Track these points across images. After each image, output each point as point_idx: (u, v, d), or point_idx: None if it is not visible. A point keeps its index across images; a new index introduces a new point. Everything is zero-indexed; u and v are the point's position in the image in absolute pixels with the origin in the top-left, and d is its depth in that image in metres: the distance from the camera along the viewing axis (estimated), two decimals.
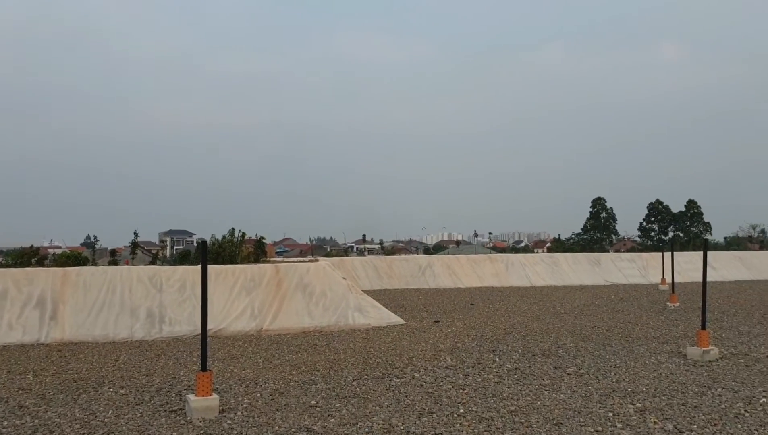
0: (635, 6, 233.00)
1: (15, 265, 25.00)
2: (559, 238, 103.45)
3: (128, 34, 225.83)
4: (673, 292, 21.37)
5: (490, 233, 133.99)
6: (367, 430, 6.88)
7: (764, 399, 7.96)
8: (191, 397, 7.66)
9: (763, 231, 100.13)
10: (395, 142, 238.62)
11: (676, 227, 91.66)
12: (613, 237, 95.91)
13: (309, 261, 19.55)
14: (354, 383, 9.23)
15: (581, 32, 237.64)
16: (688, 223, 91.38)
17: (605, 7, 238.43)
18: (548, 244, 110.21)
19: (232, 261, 20.26)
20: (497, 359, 11.07)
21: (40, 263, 28.06)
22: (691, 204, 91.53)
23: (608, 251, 71.91)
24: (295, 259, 26.40)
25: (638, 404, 7.76)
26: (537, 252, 74.64)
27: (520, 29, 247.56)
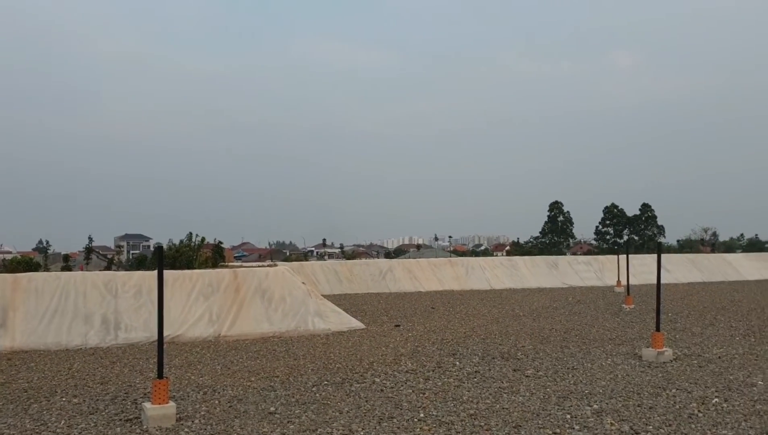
0: (589, 15, 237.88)
1: None
2: (518, 241, 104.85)
3: (82, 33, 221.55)
4: (628, 294, 21.77)
5: (450, 237, 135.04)
6: None
7: (716, 399, 8.14)
8: (147, 405, 7.50)
9: (714, 234, 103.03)
10: (356, 146, 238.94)
11: (631, 230, 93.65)
12: (570, 240, 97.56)
13: (268, 266, 19.39)
14: (314, 389, 9.16)
15: (539, 40, 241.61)
16: (643, 227, 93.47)
17: (563, 15, 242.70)
18: (507, 248, 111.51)
19: (189, 266, 19.98)
20: (457, 363, 11.11)
21: None
22: (646, 208, 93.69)
23: (566, 254, 73.07)
24: (254, 263, 26.16)
25: (595, 406, 7.87)
26: (497, 255, 75.34)
27: (480, 37, 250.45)
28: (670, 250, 71.39)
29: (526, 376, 9.81)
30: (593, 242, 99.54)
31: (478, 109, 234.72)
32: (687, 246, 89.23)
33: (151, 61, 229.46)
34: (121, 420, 7.59)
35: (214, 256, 26.65)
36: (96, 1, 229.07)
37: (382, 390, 9.00)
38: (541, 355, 11.84)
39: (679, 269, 36.28)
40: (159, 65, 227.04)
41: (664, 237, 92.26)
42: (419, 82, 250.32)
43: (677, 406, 7.81)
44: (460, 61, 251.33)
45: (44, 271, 22.39)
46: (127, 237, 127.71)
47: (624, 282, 26.32)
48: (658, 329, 11.43)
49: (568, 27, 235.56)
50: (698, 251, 69.48)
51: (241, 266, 21.06)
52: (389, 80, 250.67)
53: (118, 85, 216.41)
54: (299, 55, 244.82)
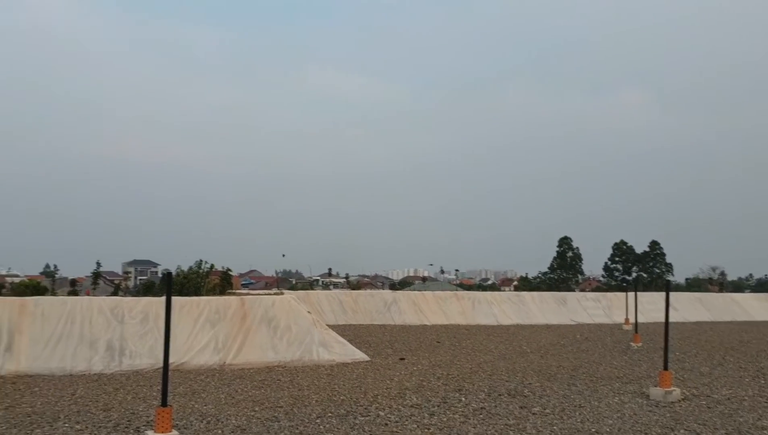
0: (599, 48, 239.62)
1: None
2: (526, 276, 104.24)
3: (104, 62, 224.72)
4: (636, 332, 21.59)
5: (456, 270, 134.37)
6: None
7: None
8: (150, 433, 7.46)
9: (722, 273, 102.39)
10: (364, 177, 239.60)
11: (639, 268, 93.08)
12: (579, 276, 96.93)
13: (274, 294, 19.37)
14: (318, 421, 9.09)
15: (548, 71, 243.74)
16: (651, 264, 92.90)
17: (572, 46, 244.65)
18: (515, 283, 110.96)
19: (197, 293, 20.01)
20: (463, 398, 11.01)
21: None
22: (654, 245, 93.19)
23: (574, 290, 72.67)
24: (260, 291, 26.12)
25: None
26: (504, 290, 75.02)
27: (484, 68, 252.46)
28: (678, 288, 70.89)
29: (533, 414, 9.71)
30: (602, 279, 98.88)
31: (487, 140, 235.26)
32: (695, 284, 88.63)
33: (165, 86, 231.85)
34: None
35: (222, 283, 26.68)
36: (119, 28, 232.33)
37: (386, 424, 8.92)
38: (549, 392, 11.73)
39: (687, 308, 36.01)
40: (173, 90, 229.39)
41: (673, 275, 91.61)
42: (428, 114, 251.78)
43: None
44: (467, 93, 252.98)
45: (51, 295, 22.44)
46: (135, 263, 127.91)
47: (632, 320, 26.13)
48: (666, 368, 11.32)
49: (582, 62, 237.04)
50: (706, 290, 68.97)
51: (248, 294, 21.04)
52: (397, 112, 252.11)
53: (131, 110, 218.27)
54: (308, 85, 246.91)
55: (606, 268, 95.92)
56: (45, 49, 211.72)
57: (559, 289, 68.86)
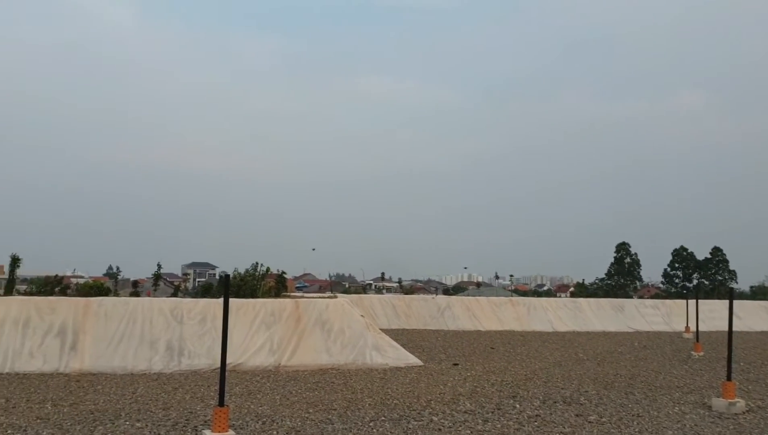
0: (656, 48, 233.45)
1: (39, 293, 25.25)
2: (583, 282, 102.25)
3: (161, 69, 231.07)
4: (697, 340, 20.97)
5: (511, 276, 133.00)
6: None
7: None
8: (207, 432, 7.61)
9: None
10: (417, 180, 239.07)
11: (700, 275, 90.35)
12: (638, 283, 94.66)
13: (328, 297, 19.53)
14: (371, 424, 9.12)
15: (603, 78, 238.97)
16: (713, 271, 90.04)
17: (627, 55, 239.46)
18: (571, 289, 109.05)
19: (253, 295, 20.30)
20: (517, 405, 10.89)
21: (63, 292, 28.29)
22: (717, 251, 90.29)
23: (632, 297, 70.97)
24: (314, 294, 26.37)
25: None
26: (560, 296, 73.86)
27: (543, 74, 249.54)
28: (743, 296, 68.37)
29: (589, 422, 9.53)
30: (661, 286, 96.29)
31: (541, 142, 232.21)
32: (760, 293, 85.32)
33: (222, 95, 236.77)
34: None
35: (277, 285, 26.99)
36: (174, 40, 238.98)
37: (439, 429, 8.89)
38: (605, 400, 11.50)
39: (752, 317, 34.74)
40: (229, 99, 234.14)
41: (736, 282, 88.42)
42: (480, 117, 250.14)
43: None
44: (521, 98, 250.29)
45: (114, 296, 23.13)
46: (193, 265, 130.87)
47: (693, 328, 25.36)
48: (729, 378, 10.95)
49: (634, 66, 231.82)
50: None
51: (302, 297, 21.25)
52: (451, 115, 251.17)
53: (188, 118, 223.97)
54: (363, 91, 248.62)
55: (665, 274, 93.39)
56: (115, 61, 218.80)
57: (616, 296, 67.35)
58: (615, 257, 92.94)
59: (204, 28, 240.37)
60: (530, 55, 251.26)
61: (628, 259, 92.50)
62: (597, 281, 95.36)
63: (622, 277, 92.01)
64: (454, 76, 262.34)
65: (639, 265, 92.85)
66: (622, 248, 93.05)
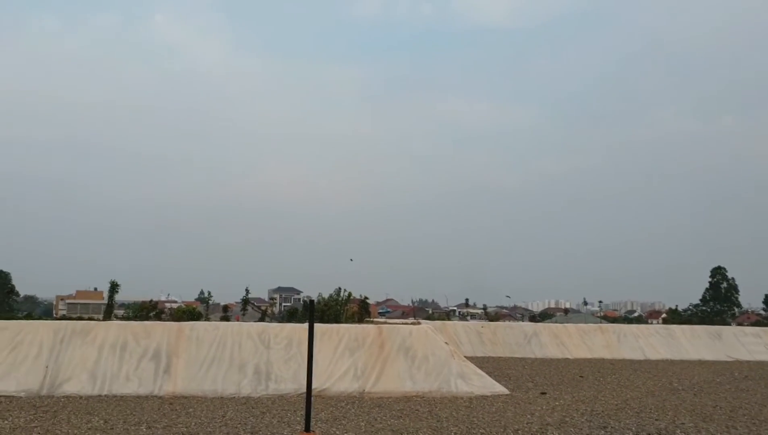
0: (751, 65, 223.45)
1: (135, 317, 26.38)
2: (676, 308, 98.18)
3: (243, 101, 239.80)
4: None
5: (600, 302, 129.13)
6: None
7: None
8: None
9: None
10: (502, 204, 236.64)
11: None
12: (736, 309, 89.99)
13: (411, 323, 19.49)
14: None
15: (697, 92, 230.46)
16: None
17: (720, 65, 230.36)
18: (663, 315, 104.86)
19: (337, 320, 20.56)
20: None
21: (158, 317, 29.43)
22: None
23: (730, 324, 67.43)
24: (397, 320, 26.39)
25: None
26: (651, 323, 71.05)
27: (630, 94, 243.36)
28: None
29: None
30: (762, 312, 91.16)
31: (632, 166, 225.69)
32: None
33: (303, 121, 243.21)
34: None
35: (360, 311, 27.23)
36: (265, 69, 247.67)
37: None
38: (704, 433, 10.92)
39: None
40: (309, 124, 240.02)
41: None
42: (564, 139, 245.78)
43: None
44: (610, 118, 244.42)
45: (205, 320, 23.90)
46: (279, 290, 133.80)
47: None
48: None
49: (728, 80, 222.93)
50: None
51: (385, 322, 21.33)
52: (536, 137, 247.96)
53: (274, 149, 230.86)
54: (446, 114, 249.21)
55: (766, 300, 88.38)
56: (202, 90, 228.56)
57: (712, 323, 64.23)
58: (710, 282, 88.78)
59: (282, 58, 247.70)
60: (617, 77, 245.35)
61: (724, 284, 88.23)
62: (691, 307, 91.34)
63: (718, 302, 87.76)
64: (532, 96, 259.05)
65: (736, 291, 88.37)
66: (718, 272, 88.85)
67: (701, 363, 27.52)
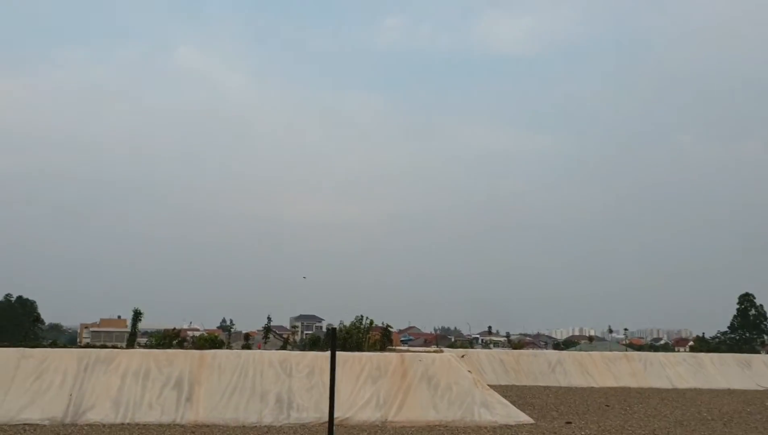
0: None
1: (158, 346, 26.50)
2: (703, 336, 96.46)
3: (270, 132, 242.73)
4: None
5: (625, 329, 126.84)
6: None
7: None
8: None
9: None
10: (518, 231, 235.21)
11: None
12: (765, 337, 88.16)
13: (434, 352, 19.32)
14: None
15: (722, 115, 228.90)
16: None
17: (747, 86, 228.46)
18: (691, 343, 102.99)
19: (358, 348, 20.43)
20: None
21: (180, 345, 29.53)
22: None
23: (759, 352, 66.05)
24: (420, 349, 26.20)
25: None
26: (678, 351, 69.86)
27: (654, 119, 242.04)
28: None
29: None
30: None
31: (655, 192, 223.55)
32: None
33: (329, 150, 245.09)
34: None
35: (383, 339, 27.07)
36: (285, 99, 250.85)
37: None
38: None
39: None
40: (334, 153, 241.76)
41: None
42: (588, 165, 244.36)
43: None
44: (633, 144, 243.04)
45: (227, 348, 23.92)
46: (301, 317, 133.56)
47: None
48: None
49: (748, 106, 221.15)
50: None
51: (407, 351, 21.16)
52: (556, 163, 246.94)
53: (298, 180, 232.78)
54: (463, 141, 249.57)
55: None
56: (232, 123, 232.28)
57: (741, 351, 62.97)
58: (738, 309, 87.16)
59: (303, 87, 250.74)
60: (650, 101, 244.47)
61: (753, 311, 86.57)
62: (719, 335, 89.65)
63: (747, 330, 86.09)
64: (565, 124, 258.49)
65: (765, 318, 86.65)
66: (746, 299, 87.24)
67: (730, 392, 26.94)
